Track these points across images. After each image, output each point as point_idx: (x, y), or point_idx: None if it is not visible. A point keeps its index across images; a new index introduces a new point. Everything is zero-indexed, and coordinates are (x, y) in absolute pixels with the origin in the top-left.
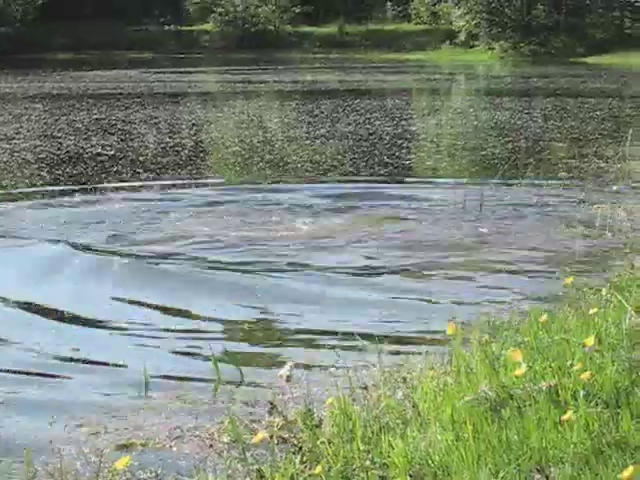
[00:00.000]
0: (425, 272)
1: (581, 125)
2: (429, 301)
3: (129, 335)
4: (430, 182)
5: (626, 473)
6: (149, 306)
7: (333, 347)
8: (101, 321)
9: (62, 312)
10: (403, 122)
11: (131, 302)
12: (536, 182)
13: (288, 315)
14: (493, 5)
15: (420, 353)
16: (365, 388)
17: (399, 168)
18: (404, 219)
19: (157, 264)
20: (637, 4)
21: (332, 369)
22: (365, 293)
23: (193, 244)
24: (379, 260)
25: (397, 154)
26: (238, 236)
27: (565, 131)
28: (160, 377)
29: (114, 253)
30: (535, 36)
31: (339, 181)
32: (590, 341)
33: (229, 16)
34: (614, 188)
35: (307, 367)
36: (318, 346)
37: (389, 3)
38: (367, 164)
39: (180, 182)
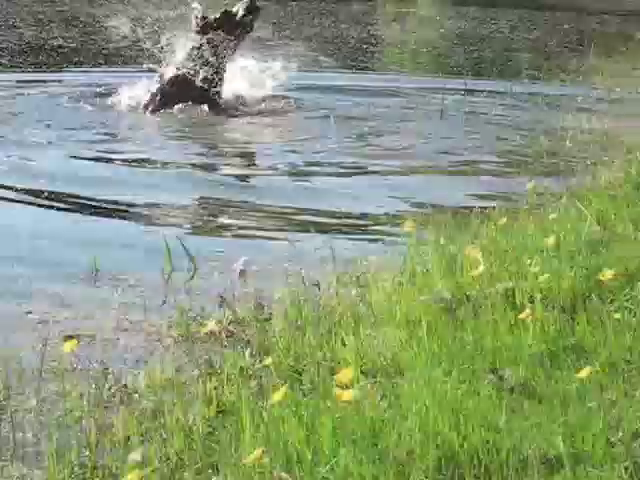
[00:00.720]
0: (385, 169)
1: (546, 37)
2: (390, 197)
3: (81, 223)
4: (393, 87)
5: (583, 373)
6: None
7: (288, 241)
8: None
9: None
10: (369, 27)
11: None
12: (500, 91)
13: (245, 206)
14: None
15: (376, 251)
16: (317, 285)
17: (362, 71)
18: (363, 119)
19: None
20: None
21: (286, 264)
22: (321, 187)
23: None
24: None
25: (361, 58)
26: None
27: (530, 42)
28: (110, 268)
29: None
30: None
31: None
32: (550, 242)
33: None
34: (577, 100)
35: (261, 262)
36: (273, 239)
37: None
38: (330, 66)
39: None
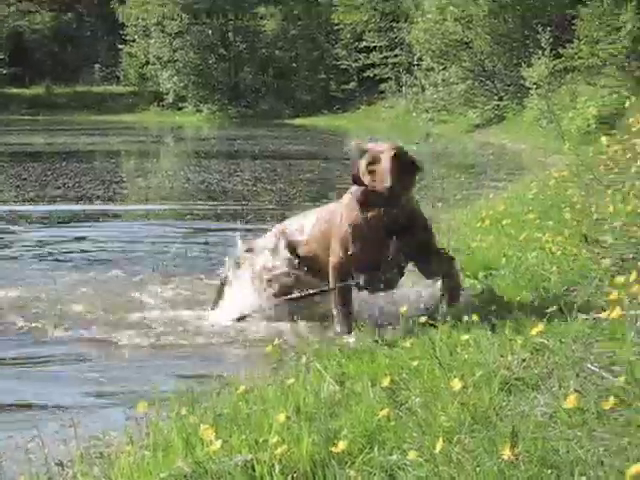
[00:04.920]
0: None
1: (289, 187)
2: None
3: None
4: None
5: None
6: None
7: (29, 422)
8: None
9: None
10: (114, 185)
11: None
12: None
13: None
14: (201, 68)
15: (118, 427)
16: (60, 465)
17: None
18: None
19: None
20: (342, 67)
21: (28, 445)
22: (64, 365)
23: None
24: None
25: (104, 220)
26: None
27: (274, 194)
28: None
29: None
30: (242, 98)
31: None
32: (281, 418)
33: None
34: None
35: (1, 444)
36: (13, 421)
37: (97, 65)
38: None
39: None
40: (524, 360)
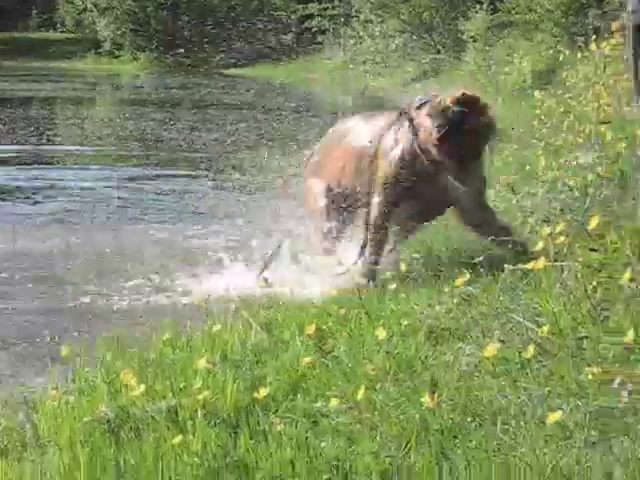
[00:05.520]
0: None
1: (225, 137)
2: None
3: None
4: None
5: None
6: None
7: None
8: None
9: None
10: (48, 132)
11: None
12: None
13: None
14: (139, 15)
15: (43, 371)
16: None
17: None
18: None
19: None
20: (281, 18)
21: None
22: None
23: None
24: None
25: (42, 159)
26: None
27: (209, 143)
28: None
29: None
30: (180, 47)
31: None
32: (202, 363)
33: None
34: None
35: None
36: None
37: (34, 11)
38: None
39: None
40: (451, 310)
